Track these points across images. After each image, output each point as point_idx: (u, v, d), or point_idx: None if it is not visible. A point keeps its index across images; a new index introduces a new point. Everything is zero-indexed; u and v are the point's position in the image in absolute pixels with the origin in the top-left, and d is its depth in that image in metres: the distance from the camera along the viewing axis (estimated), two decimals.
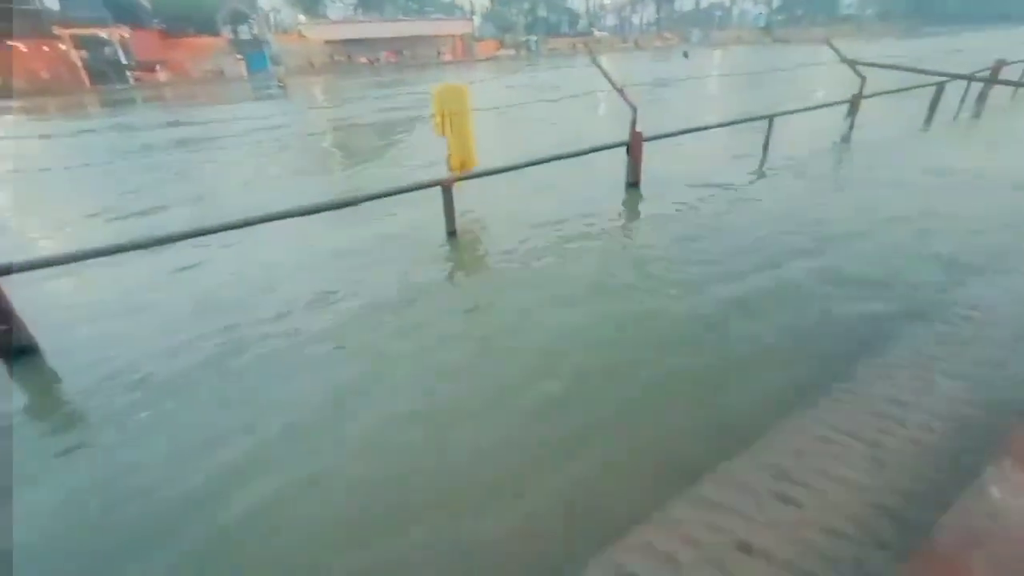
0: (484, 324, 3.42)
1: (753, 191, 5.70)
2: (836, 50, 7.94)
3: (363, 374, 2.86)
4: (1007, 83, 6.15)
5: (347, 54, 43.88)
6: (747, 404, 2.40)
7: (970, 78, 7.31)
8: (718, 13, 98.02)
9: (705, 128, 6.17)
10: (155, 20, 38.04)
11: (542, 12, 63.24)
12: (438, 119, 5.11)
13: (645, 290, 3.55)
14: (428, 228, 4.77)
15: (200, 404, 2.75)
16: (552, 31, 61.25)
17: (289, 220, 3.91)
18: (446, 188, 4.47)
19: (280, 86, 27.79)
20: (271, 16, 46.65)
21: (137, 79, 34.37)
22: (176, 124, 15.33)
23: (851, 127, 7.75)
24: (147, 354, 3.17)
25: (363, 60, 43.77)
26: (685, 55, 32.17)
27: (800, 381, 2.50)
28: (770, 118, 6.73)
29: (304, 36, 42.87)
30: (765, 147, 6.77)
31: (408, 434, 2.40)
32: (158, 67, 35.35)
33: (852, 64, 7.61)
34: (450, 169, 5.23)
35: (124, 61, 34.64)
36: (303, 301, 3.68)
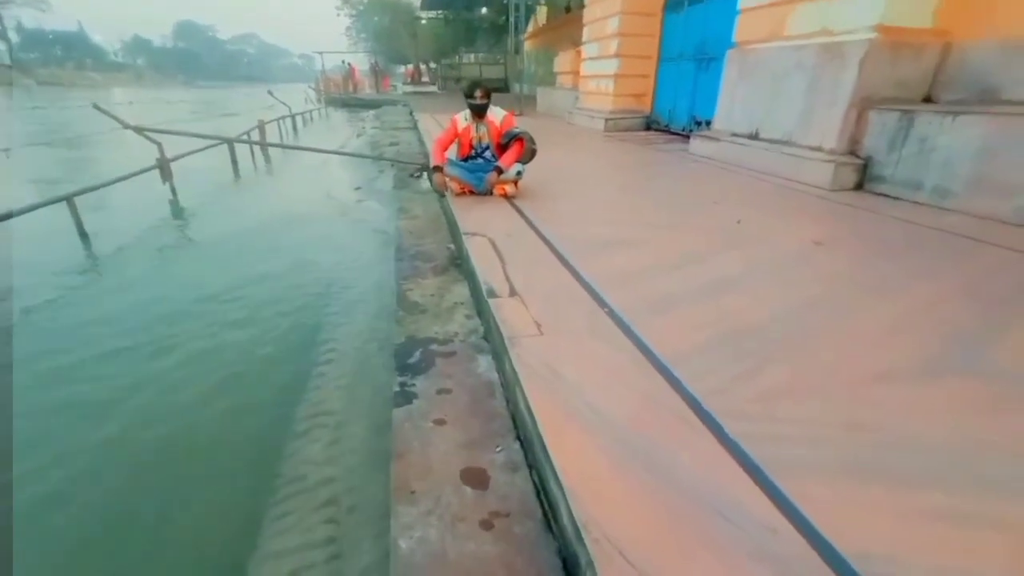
0: None
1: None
2: (116, 118, 7.51)
3: None
4: (270, 144, 7.90)
5: None
6: None
7: (249, 142, 8.87)
8: None
9: None
10: None
11: None
12: None
13: None
14: None
15: None
16: None
17: None
18: None
19: None
20: None
21: None
22: None
23: (173, 190, 7.74)
24: None
25: None
26: None
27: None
28: (68, 199, 5.61)
29: None
30: (82, 234, 5.64)
31: None
32: None
33: (140, 131, 7.48)
34: None
35: None
36: None
